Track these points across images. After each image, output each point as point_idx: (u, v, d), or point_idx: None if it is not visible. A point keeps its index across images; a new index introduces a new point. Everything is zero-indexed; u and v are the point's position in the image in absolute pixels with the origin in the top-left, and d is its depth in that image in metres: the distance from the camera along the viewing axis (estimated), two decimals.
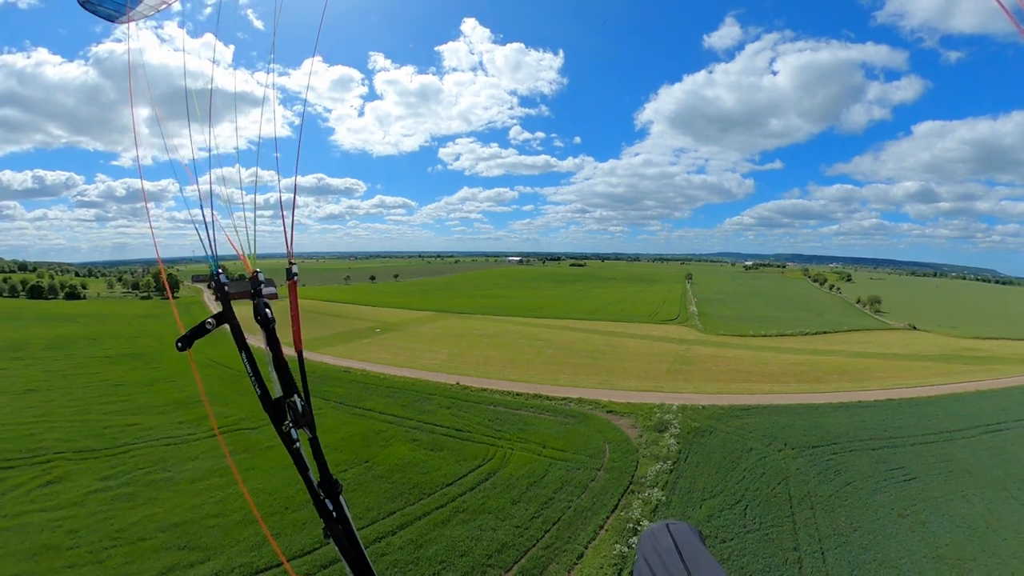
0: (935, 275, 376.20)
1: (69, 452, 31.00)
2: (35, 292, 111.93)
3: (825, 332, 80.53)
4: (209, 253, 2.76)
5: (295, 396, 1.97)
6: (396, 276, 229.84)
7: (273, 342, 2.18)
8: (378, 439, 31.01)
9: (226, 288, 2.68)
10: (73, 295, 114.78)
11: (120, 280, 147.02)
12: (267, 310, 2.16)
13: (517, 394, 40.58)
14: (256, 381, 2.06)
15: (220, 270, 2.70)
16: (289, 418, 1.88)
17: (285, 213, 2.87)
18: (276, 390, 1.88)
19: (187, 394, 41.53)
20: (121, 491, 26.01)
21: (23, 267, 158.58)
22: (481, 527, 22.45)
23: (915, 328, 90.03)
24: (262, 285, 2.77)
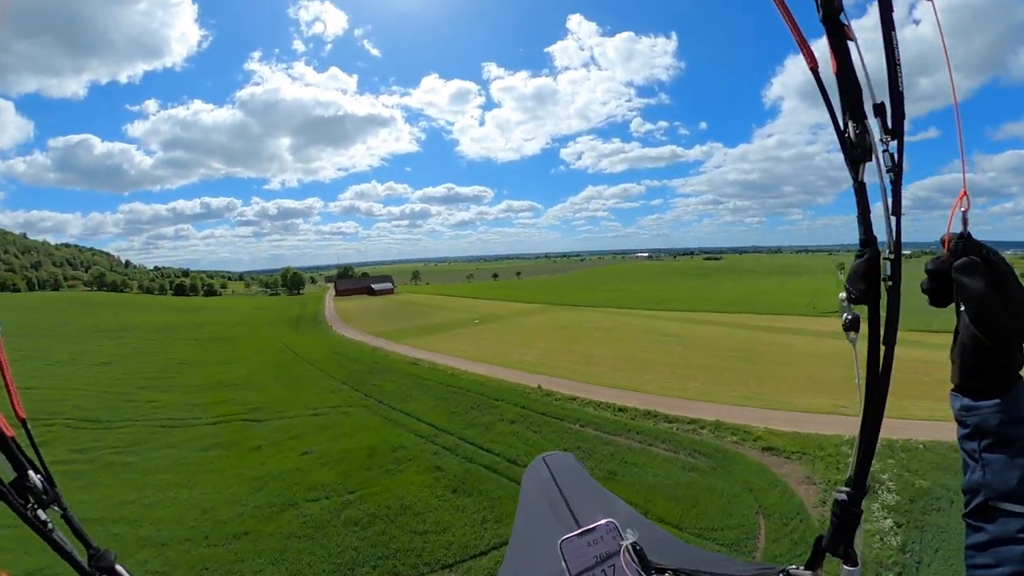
0: None
1: (74, 420, 28.32)
2: (179, 290, 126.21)
3: None
4: None
5: (31, 472, 1.27)
6: (519, 273, 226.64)
7: None
8: (390, 459, 22.27)
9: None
10: (211, 292, 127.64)
11: (256, 281, 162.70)
12: None
13: (620, 409, 27.87)
14: None
15: None
16: (31, 501, 1.23)
17: None
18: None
19: (229, 377, 37.70)
20: (77, 468, 21.93)
21: (185, 273, 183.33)
22: None
23: None
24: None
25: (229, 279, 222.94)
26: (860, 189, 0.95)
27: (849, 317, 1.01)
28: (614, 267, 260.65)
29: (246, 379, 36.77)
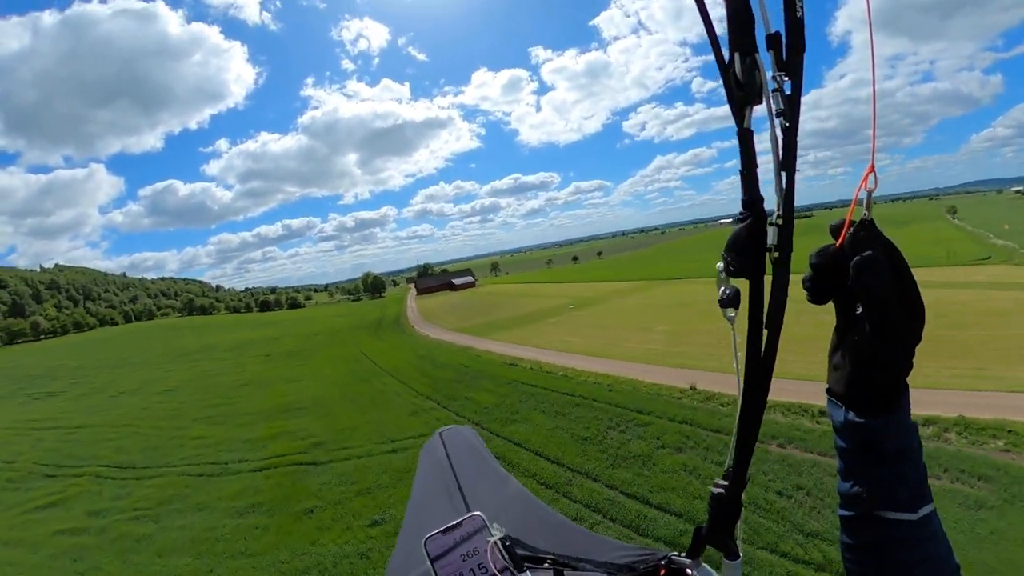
0: None
1: (107, 467, 23.61)
2: (265, 306, 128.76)
3: None
4: None
5: None
6: (599, 254, 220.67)
7: None
8: None
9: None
10: (295, 305, 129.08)
11: (339, 290, 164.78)
12: None
13: (823, 412, 18.54)
14: None
15: None
16: None
17: None
18: None
19: (293, 399, 31.78)
20: (82, 542, 16.69)
21: (272, 291, 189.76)
22: None
23: None
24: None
25: (315, 291, 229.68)
26: (744, 137, 0.77)
27: (728, 292, 0.87)
28: (701, 235, 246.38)
29: (313, 400, 30.53)
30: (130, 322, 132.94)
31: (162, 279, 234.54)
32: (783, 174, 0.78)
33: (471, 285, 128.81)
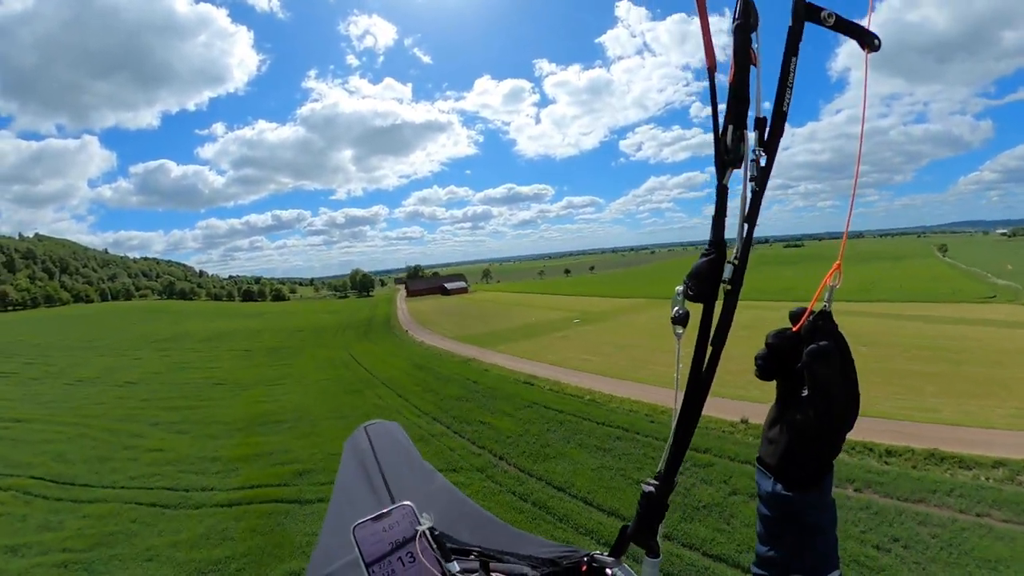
0: None
1: (41, 480, 19.33)
2: (248, 296, 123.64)
3: None
4: None
5: None
6: (592, 268, 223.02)
7: None
8: None
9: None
10: (279, 297, 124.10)
11: (325, 285, 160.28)
12: None
13: (889, 452, 17.04)
14: None
15: None
16: None
17: None
18: None
19: (273, 408, 27.77)
20: None
21: (256, 280, 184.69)
22: None
23: None
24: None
25: (300, 284, 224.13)
26: (721, 191, 0.97)
27: (680, 311, 1.00)
28: (692, 258, 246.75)
29: (295, 411, 26.59)
30: (106, 300, 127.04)
31: (145, 259, 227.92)
32: (745, 226, 0.94)
33: (464, 291, 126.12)
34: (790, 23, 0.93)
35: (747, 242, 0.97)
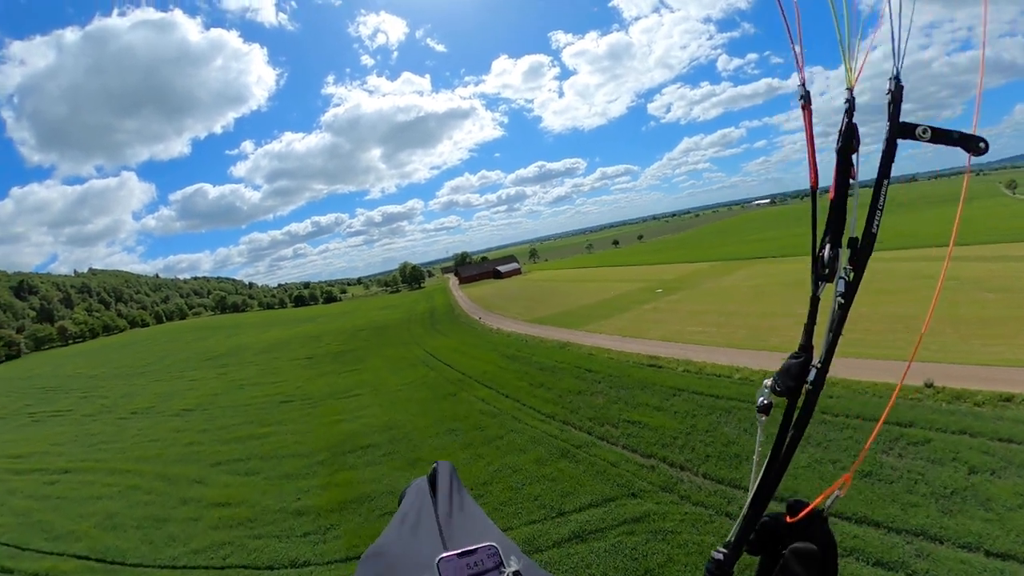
0: None
1: (80, 563, 14.94)
2: (299, 301, 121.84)
3: None
4: None
5: None
6: (640, 237, 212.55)
7: None
8: None
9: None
10: (330, 299, 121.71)
11: (374, 282, 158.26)
12: None
13: None
14: None
15: None
16: None
17: None
18: None
19: (356, 427, 22.76)
20: None
21: (306, 286, 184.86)
22: None
23: None
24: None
25: (348, 284, 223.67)
26: (814, 302, 1.06)
27: (765, 402, 1.09)
28: (743, 216, 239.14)
29: (386, 429, 21.45)
30: (161, 322, 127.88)
31: (195, 279, 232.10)
32: (830, 334, 1.02)
33: (517, 272, 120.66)
34: (883, 146, 0.97)
35: (830, 351, 1.03)
